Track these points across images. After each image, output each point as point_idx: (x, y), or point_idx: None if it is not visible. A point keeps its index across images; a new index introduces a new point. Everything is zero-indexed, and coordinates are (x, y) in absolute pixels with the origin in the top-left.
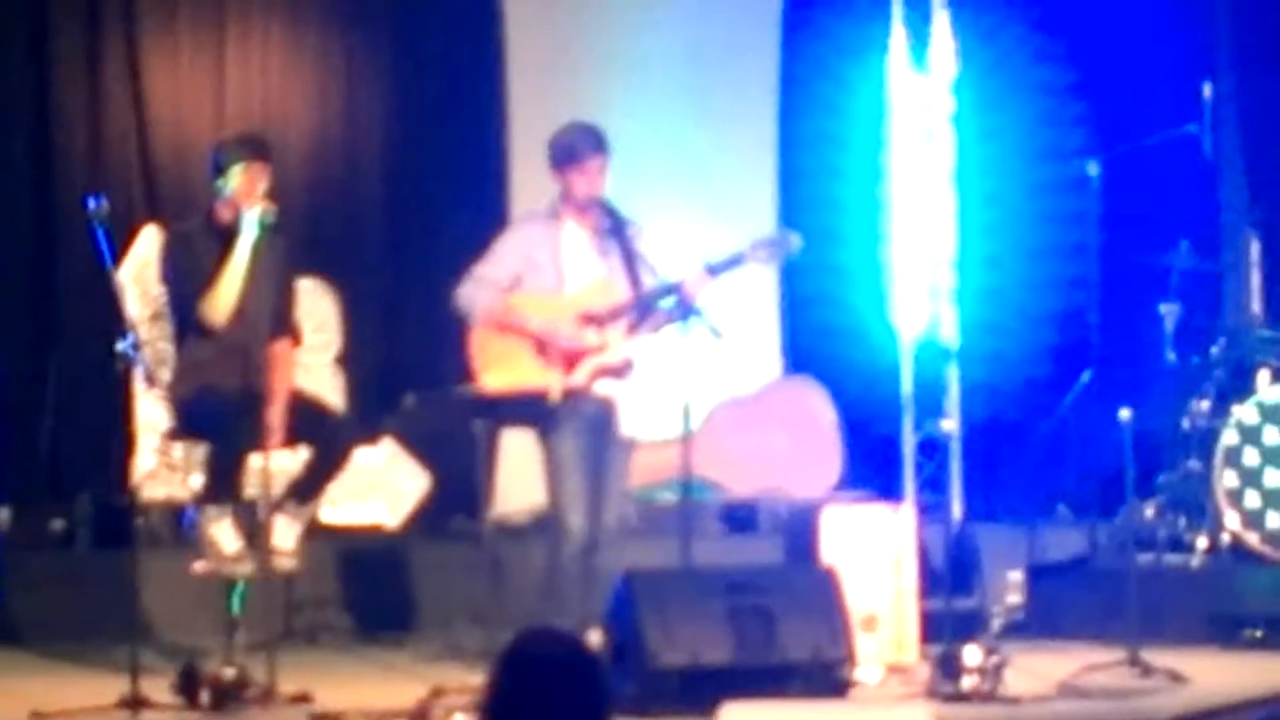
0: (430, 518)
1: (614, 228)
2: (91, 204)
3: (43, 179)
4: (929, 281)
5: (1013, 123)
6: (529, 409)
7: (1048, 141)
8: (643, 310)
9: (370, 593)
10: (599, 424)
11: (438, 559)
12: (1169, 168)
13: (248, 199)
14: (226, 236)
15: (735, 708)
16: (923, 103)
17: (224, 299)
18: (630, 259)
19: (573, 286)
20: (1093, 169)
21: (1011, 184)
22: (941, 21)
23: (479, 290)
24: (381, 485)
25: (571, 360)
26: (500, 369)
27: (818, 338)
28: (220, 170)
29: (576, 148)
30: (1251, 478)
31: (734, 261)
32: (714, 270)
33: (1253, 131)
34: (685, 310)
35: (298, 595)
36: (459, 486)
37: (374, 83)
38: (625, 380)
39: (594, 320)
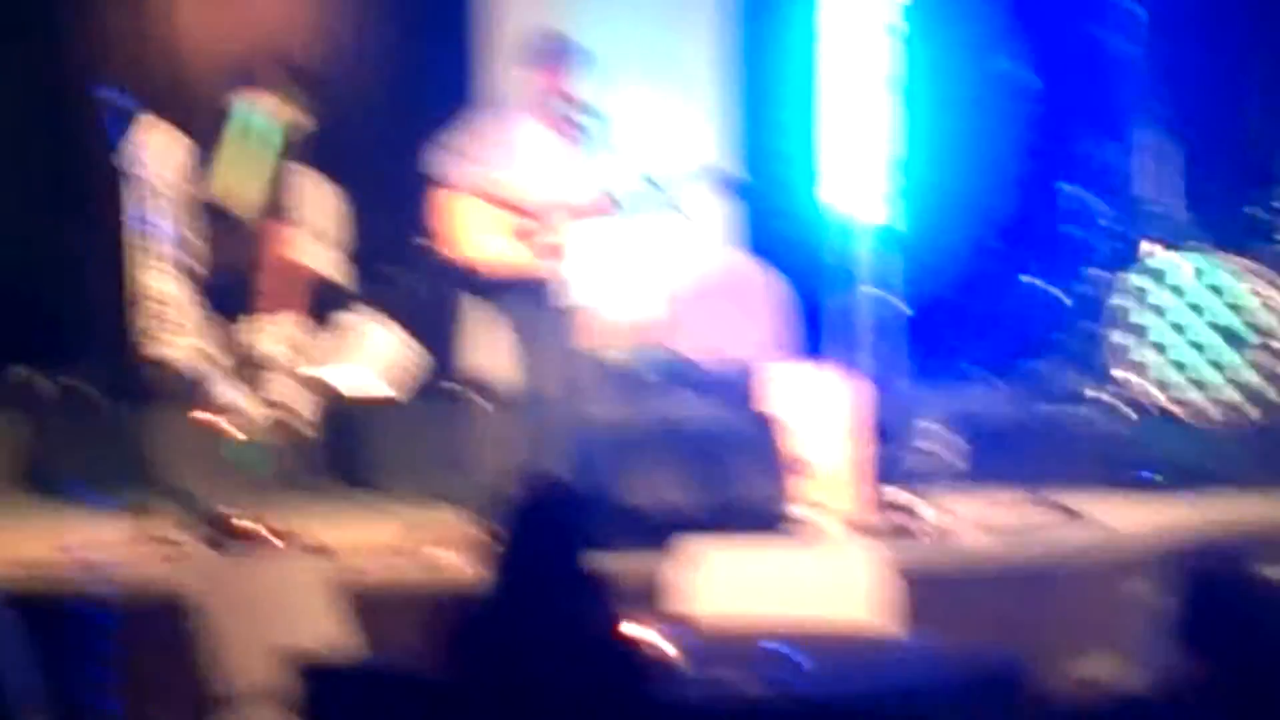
0: (410, 377)
1: (577, 122)
2: (107, 93)
3: (63, 62)
4: (866, 162)
5: (945, 21)
6: (494, 284)
7: (979, 38)
8: (596, 207)
9: (356, 446)
10: (551, 297)
11: (417, 416)
12: (1080, 63)
13: (251, 98)
14: (238, 133)
15: (694, 544)
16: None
17: (229, 182)
18: (590, 151)
19: (539, 175)
20: (1015, 64)
21: (943, 79)
22: None
23: (454, 160)
24: (368, 347)
25: (533, 238)
26: (469, 241)
27: (763, 216)
28: (228, 79)
29: (550, 51)
30: (1139, 334)
31: (679, 182)
32: (660, 188)
33: (1153, 33)
34: (637, 209)
35: (296, 446)
36: (437, 349)
37: None
38: (579, 258)
39: (552, 208)
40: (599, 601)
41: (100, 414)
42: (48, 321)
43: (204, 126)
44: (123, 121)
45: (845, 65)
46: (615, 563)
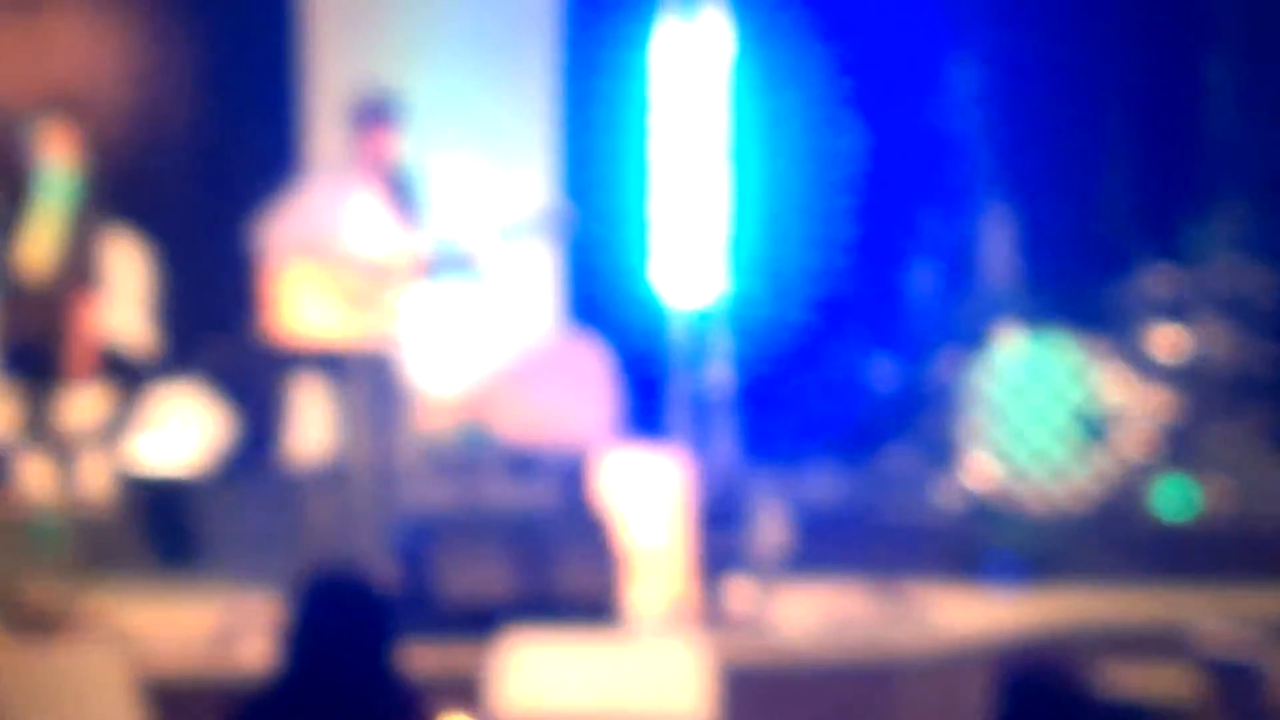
0: (231, 456)
1: (401, 185)
2: None
3: None
4: (704, 243)
5: (784, 96)
6: (319, 358)
7: (817, 115)
8: (429, 266)
9: (175, 527)
10: (383, 371)
11: (237, 497)
12: (925, 140)
13: (54, 158)
14: (37, 193)
15: (516, 638)
16: (697, 73)
17: (34, 251)
18: (415, 214)
19: (362, 241)
20: (858, 142)
21: (781, 154)
22: None
23: (275, 230)
24: (186, 424)
25: (360, 307)
26: (294, 313)
27: (596, 296)
28: (22, 134)
29: (373, 113)
30: (987, 419)
31: (515, 231)
32: (496, 237)
33: (999, 110)
34: (469, 270)
35: (107, 527)
36: (259, 427)
37: (180, 44)
38: (410, 329)
39: (381, 274)
40: (401, 696)
41: None
42: None
43: (15, 195)
44: None
45: (678, 135)
46: (431, 654)
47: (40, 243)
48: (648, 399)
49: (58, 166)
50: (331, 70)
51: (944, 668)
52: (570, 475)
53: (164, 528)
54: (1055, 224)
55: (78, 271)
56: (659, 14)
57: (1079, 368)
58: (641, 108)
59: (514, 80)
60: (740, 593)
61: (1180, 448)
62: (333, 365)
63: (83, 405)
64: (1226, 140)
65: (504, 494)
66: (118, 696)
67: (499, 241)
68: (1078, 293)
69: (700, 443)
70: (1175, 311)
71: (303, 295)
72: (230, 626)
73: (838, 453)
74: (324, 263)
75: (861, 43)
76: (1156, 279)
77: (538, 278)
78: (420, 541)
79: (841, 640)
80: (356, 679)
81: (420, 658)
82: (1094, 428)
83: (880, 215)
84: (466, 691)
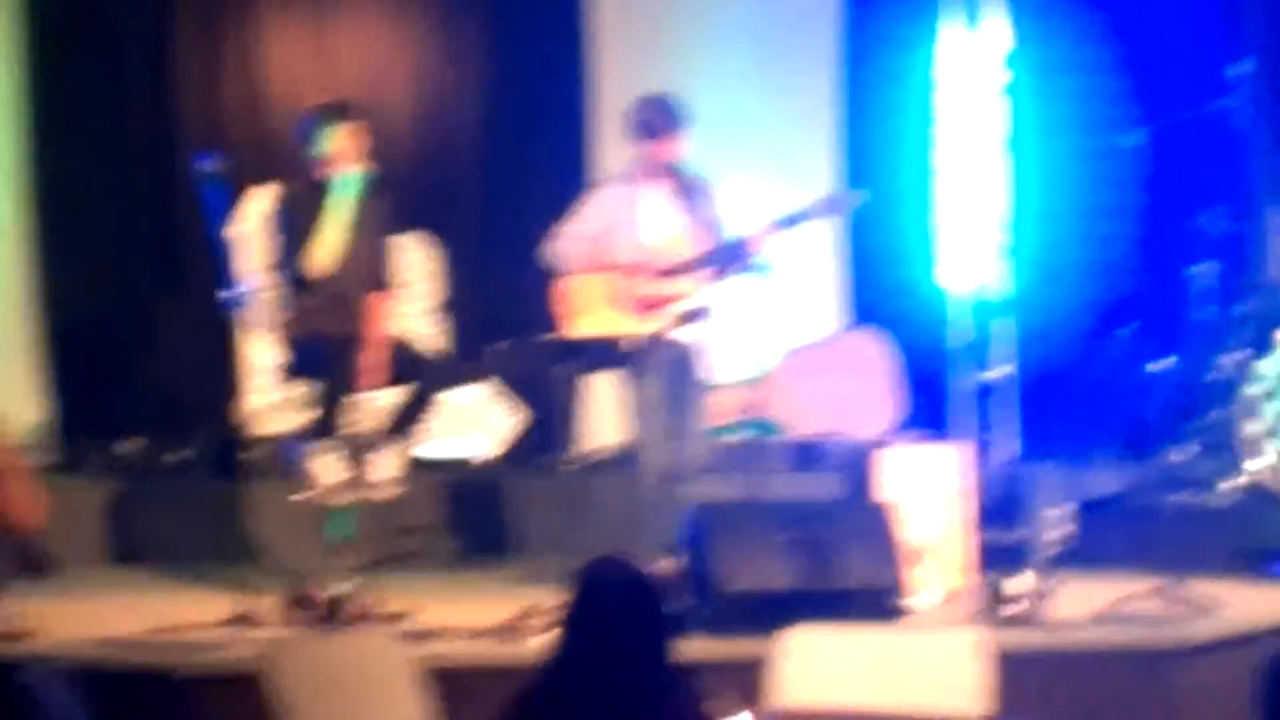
0: (523, 452)
1: (688, 188)
2: (202, 162)
3: (164, 138)
4: (985, 239)
5: (1063, 94)
6: (613, 354)
7: (1095, 113)
8: (716, 262)
9: (468, 521)
10: (678, 366)
11: (530, 490)
12: (1206, 138)
13: (344, 159)
14: (327, 195)
15: (798, 630)
16: (978, 72)
17: (324, 252)
18: (702, 216)
19: (651, 242)
20: (1136, 139)
21: (1060, 151)
22: None
23: (567, 244)
24: (478, 422)
25: (652, 308)
26: (586, 317)
27: (879, 291)
28: (308, 136)
29: (658, 121)
30: (1275, 425)
31: (801, 216)
32: (782, 224)
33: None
34: (756, 262)
35: (400, 522)
36: (550, 424)
37: (471, 54)
38: (701, 325)
39: (672, 271)
40: (680, 686)
41: (200, 488)
42: (149, 395)
43: (306, 196)
44: (223, 192)
45: (959, 131)
46: (712, 645)
47: (331, 244)
48: (930, 392)
49: (350, 169)
50: (618, 78)
51: (1222, 657)
52: (853, 468)
53: (456, 522)
54: None
55: (368, 273)
56: (939, 11)
57: None
58: (922, 105)
59: (795, 82)
60: (1021, 586)
61: None
62: (624, 361)
63: (375, 403)
64: None
65: (788, 486)
66: (405, 686)
67: (783, 231)
68: None
69: (982, 436)
70: None
71: (595, 294)
72: (521, 618)
73: (1120, 447)
74: (615, 262)
75: (1141, 40)
76: None
77: (823, 272)
78: (705, 533)
79: (1121, 632)
80: (635, 669)
81: (701, 648)
82: None
83: (1162, 212)
84: (746, 683)
